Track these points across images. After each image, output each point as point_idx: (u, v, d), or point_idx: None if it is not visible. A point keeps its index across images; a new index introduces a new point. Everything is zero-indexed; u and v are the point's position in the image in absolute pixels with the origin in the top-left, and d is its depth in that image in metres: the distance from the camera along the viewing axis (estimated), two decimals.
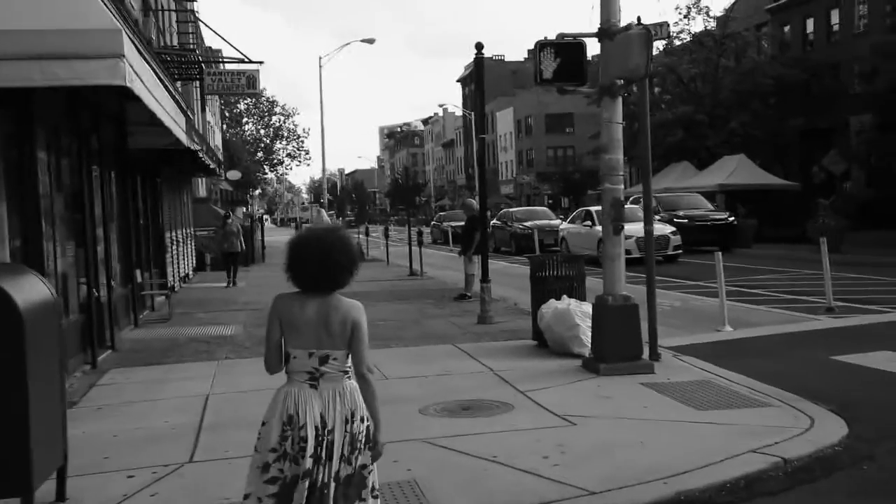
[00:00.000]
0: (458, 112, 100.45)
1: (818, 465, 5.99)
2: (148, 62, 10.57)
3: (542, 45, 9.14)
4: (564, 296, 10.60)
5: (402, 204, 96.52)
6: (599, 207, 28.07)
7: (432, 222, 53.84)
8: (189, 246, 26.04)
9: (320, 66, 45.80)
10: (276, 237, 42.26)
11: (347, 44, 44.45)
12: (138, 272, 15.17)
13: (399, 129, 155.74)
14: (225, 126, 63.09)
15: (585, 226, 26.41)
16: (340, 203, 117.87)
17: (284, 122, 70.61)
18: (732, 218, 30.18)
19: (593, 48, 9.40)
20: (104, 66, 7.38)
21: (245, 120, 71.22)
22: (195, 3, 27.56)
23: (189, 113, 22.78)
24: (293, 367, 4.06)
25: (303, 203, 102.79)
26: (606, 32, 8.96)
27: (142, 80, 8.46)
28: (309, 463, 3.91)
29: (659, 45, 39.91)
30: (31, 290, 5.39)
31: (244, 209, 56.99)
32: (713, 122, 40.90)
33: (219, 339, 12.71)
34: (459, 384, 8.83)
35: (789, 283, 18.15)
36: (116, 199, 14.02)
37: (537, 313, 10.70)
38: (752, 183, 34.72)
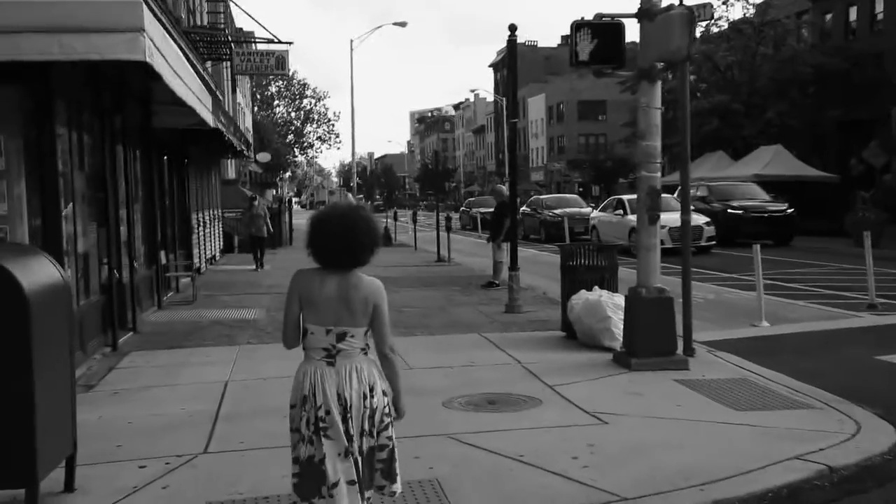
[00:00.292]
0: (490, 98, 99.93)
1: (867, 474, 5.62)
2: (175, 39, 10.35)
3: (578, 26, 8.76)
4: (596, 287, 10.25)
5: (431, 189, 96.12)
6: (631, 196, 27.72)
7: (461, 208, 53.52)
8: (216, 228, 25.92)
9: (352, 49, 45.60)
10: (304, 220, 42.09)
11: (379, 27, 44.22)
12: (163, 253, 15.00)
13: (430, 114, 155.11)
14: (256, 108, 63.11)
15: (617, 214, 25.98)
16: (369, 187, 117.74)
17: (315, 105, 70.62)
18: (792, 210, 27.98)
19: (632, 31, 9.05)
20: (123, 41, 7.16)
21: (276, 102, 71.28)
22: None
23: (218, 94, 22.61)
24: (310, 342, 4.07)
25: (330, 188, 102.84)
26: (647, 13, 8.57)
27: (164, 57, 8.23)
28: (345, 440, 3.94)
29: (696, 32, 38.96)
30: (39, 272, 5.16)
31: (273, 192, 57.08)
32: (749, 111, 40.07)
33: (241, 322, 12.51)
34: (485, 376, 8.54)
35: (828, 277, 17.63)
36: (141, 179, 13.83)
37: (567, 304, 10.37)
38: (789, 174, 33.93)
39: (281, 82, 68.39)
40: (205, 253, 21.97)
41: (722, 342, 10.26)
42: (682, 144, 9.39)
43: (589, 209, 33.03)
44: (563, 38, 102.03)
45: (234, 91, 37.70)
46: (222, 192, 28.75)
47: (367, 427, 4.00)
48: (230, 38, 22.65)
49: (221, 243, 27.28)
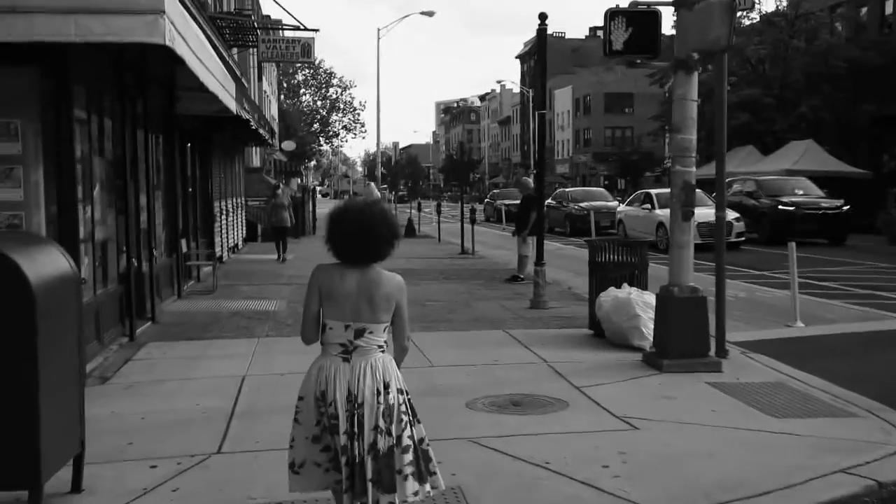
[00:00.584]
0: (516, 89, 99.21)
1: None
2: (198, 23, 10.13)
3: (612, 14, 8.43)
4: (625, 284, 9.92)
5: (455, 180, 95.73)
6: (659, 190, 27.25)
7: (485, 200, 53.15)
8: (239, 216, 25.76)
9: (378, 38, 45.30)
10: (328, 209, 41.94)
11: (407, 16, 44.04)
12: (184, 242, 14.83)
13: (455, 105, 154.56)
14: (283, 96, 63.02)
15: (644, 209, 25.51)
16: (394, 177, 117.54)
17: (341, 95, 70.43)
18: (847, 207, 25.89)
19: (664, 22, 8.69)
20: (142, 23, 6.91)
21: (302, 91, 71.16)
22: None
23: (243, 81, 22.43)
24: (328, 338, 4.05)
25: (354, 178, 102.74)
26: (684, 1, 8.21)
27: (185, 41, 7.98)
28: (343, 439, 3.92)
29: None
30: (46, 263, 4.92)
31: (298, 180, 57.00)
32: (781, 105, 39.39)
33: (261, 314, 12.30)
34: (510, 375, 8.24)
35: (863, 276, 17.15)
36: (163, 166, 13.64)
37: (595, 301, 10.05)
38: (821, 169, 33.21)
39: (308, 71, 68.28)
40: (227, 241, 21.82)
41: (755, 343, 9.90)
42: (719, 138, 9.02)
43: (615, 203, 32.56)
44: (591, 29, 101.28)
45: (260, 79, 37.55)
46: (246, 179, 28.59)
47: (383, 425, 3.93)
48: (256, 25, 22.42)
49: (244, 232, 27.13)
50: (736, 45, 40.77)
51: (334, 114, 71.19)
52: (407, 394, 4.08)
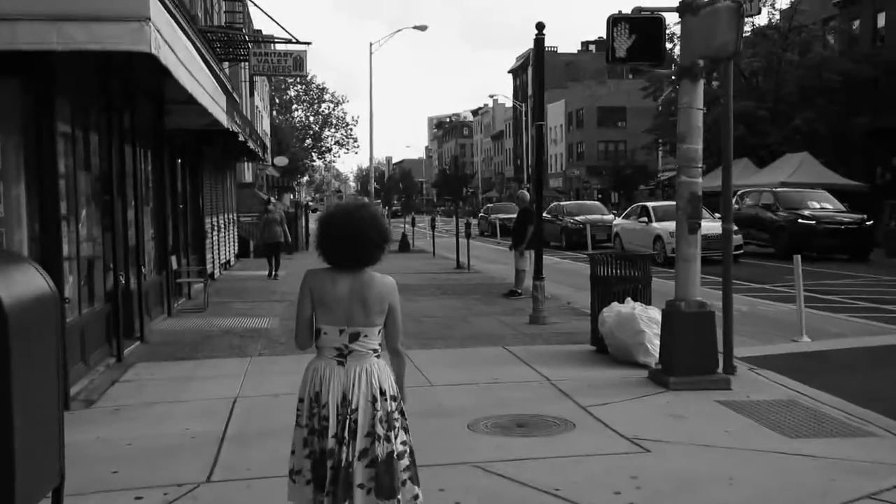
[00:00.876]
0: (509, 103, 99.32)
1: None
2: (187, 33, 9.85)
3: (615, 20, 8.18)
4: (629, 299, 9.64)
5: (449, 195, 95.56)
6: (657, 203, 26.96)
7: (479, 214, 52.88)
8: (231, 232, 25.42)
9: (371, 53, 45.15)
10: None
11: (399, 30, 43.77)
12: (174, 258, 14.50)
13: (448, 120, 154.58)
14: (275, 112, 62.81)
15: (641, 222, 25.24)
16: (387, 192, 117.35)
17: (333, 110, 70.30)
18: (871, 221, 24.46)
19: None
20: (127, 31, 6.64)
21: (294, 106, 71.01)
22: None
23: (235, 95, 22.16)
24: (323, 342, 4.02)
25: (347, 194, 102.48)
26: (690, 6, 7.97)
27: (173, 50, 7.71)
28: (331, 443, 3.87)
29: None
30: (22, 283, 4.60)
31: (291, 196, 56.70)
32: (775, 118, 39.29)
33: (253, 332, 11.97)
34: (512, 395, 7.93)
35: (865, 289, 16.91)
36: (152, 181, 13.34)
37: (598, 317, 9.75)
38: (816, 182, 33.02)
39: (300, 86, 68.13)
40: (219, 258, 21.47)
41: (762, 358, 9.63)
42: (725, 146, 8.77)
43: (611, 216, 32.34)
44: (583, 43, 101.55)
45: (251, 94, 37.31)
46: (238, 195, 28.28)
47: (381, 431, 3.90)
48: (247, 38, 22.18)
49: (237, 248, 26.80)
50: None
51: (326, 129, 71.03)
52: (401, 401, 4.10)
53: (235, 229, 26.72)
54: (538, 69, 12.90)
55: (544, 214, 33.43)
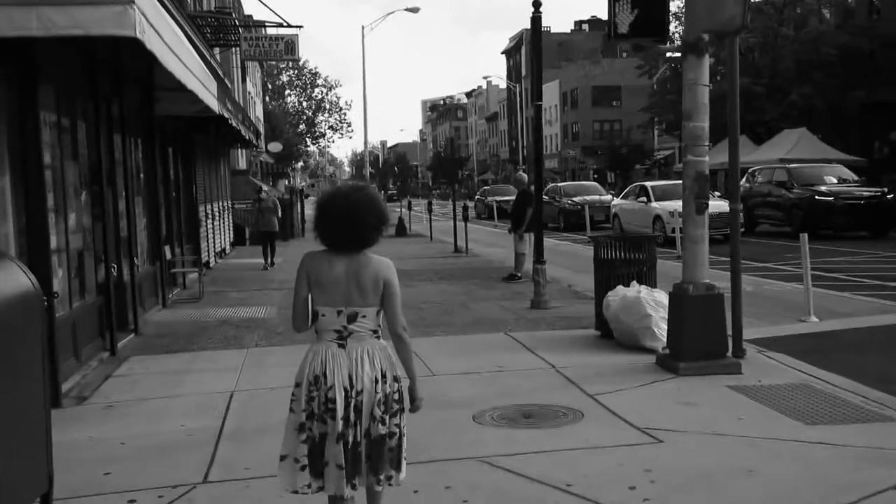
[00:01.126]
0: (503, 85, 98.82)
1: None
2: (175, 18, 9.55)
3: None
4: (634, 282, 9.41)
5: (444, 178, 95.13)
6: (655, 182, 26.67)
7: (476, 196, 52.59)
8: (226, 220, 25.14)
9: (363, 36, 44.72)
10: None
11: (391, 13, 43.26)
12: (168, 248, 14.23)
13: (442, 102, 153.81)
14: (268, 98, 62.33)
15: (640, 202, 24.97)
16: (383, 176, 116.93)
17: (327, 95, 69.84)
18: (891, 195, 23.17)
19: None
20: (110, 15, 6.37)
21: (287, 92, 70.51)
22: None
23: (226, 81, 21.81)
24: (321, 325, 4.00)
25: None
26: None
27: (159, 34, 7.42)
28: (340, 425, 3.85)
29: None
30: (2, 281, 4.36)
31: (286, 182, 56.36)
32: (771, 94, 38.99)
33: (250, 322, 11.74)
34: (518, 384, 7.71)
35: (869, 266, 16.68)
36: (143, 170, 13.05)
37: (603, 301, 9.52)
38: (815, 158, 32.76)
39: (292, 72, 67.63)
40: (214, 246, 21.21)
41: (770, 340, 9.42)
42: (731, 123, 8.50)
43: (609, 196, 32.09)
44: (577, 23, 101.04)
45: (244, 80, 36.88)
46: (232, 182, 27.95)
47: (378, 413, 3.91)
48: (238, 23, 21.81)
49: (232, 236, 26.52)
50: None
51: (320, 114, 70.60)
52: (402, 380, 4.06)
53: (230, 217, 26.42)
54: (535, 48, 12.61)
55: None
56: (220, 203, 23.68)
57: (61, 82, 8.80)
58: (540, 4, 12.18)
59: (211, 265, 19.69)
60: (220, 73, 18.24)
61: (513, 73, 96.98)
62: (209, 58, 16.12)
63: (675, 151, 61.92)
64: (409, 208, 38.18)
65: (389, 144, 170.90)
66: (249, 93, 40.34)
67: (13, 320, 4.31)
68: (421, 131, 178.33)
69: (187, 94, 10.78)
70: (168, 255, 14.18)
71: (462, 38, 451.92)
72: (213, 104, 12.07)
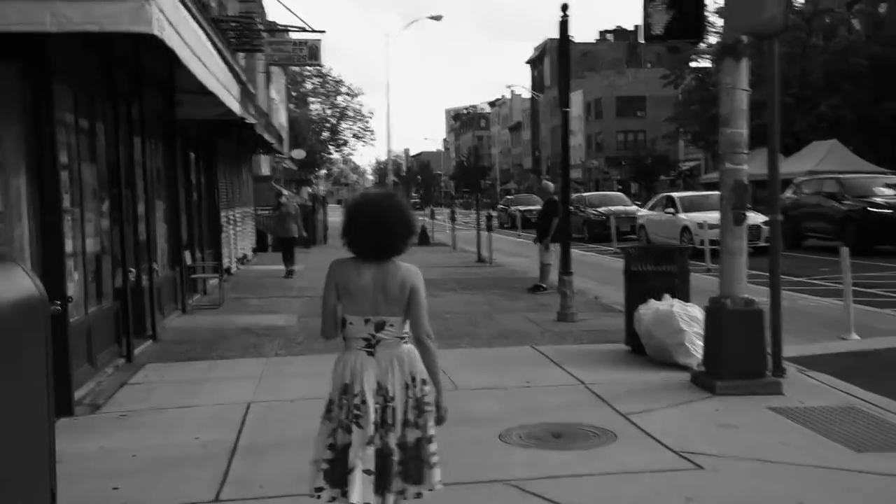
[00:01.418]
0: (526, 94, 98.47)
1: None
2: (198, 21, 9.34)
3: None
4: (666, 295, 9.05)
5: (467, 187, 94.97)
6: (682, 193, 26.16)
7: (499, 206, 52.21)
8: (248, 225, 24.97)
9: (387, 44, 44.53)
10: (339, 218, 41.22)
11: (415, 21, 43.20)
12: (188, 253, 14.02)
13: (465, 112, 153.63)
14: (292, 105, 62.38)
15: (668, 213, 24.48)
16: (406, 184, 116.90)
17: (350, 103, 69.84)
18: None
19: None
20: (126, 10, 6.14)
21: (311, 99, 70.56)
22: None
23: (250, 87, 21.68)
24: (349, 333, 3.99)
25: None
26: None
27: (178, 32, 7.19)
28: (371, 430, 3.82)
29: None
30: (4, 285, 4.10)
31: (309, 189, 56.30)
32: (800, 105, 38.40)
33: (270, 330, 11.45)
34: (546, 401, 7.37)
35: None
36: (164, 174, 12.85)
37: (634, 315, 9.16)
38: (846, 170, 32.12)
39: (316, 79, 67.71)
40: (235, 252, 21.01)
41: (811, 359, 9.02)
42: (771, 131, 8.15)
43: (634, 207, 31.64)
44: (601, 33, 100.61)
45: (268, 86, 36.83)
46: (255, 188, 27.80)
47: (412, 418, 3.91)
48: (262, 28, 21.67)
49: (255, 242, 26.34)
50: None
51: (343, 122, 70.62)
52: (430, 384, 4.03)
53: (253, 223, 26.26)
54: (563, 52, 12.30)
55: None
56: (243, 209, 23.51)
57: (80, 82, 8.59)
58: (567, 7, 11.88)
59: (232, 271, 19.49)
60: (243, 78, 18.09)
61: (536, 83, 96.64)
62: (232, 62, 15.95)
63: (702, 163, 61.37)
64: (433, 217, 37.88)
65: (413, 153, 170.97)
66: (273, 98, 40.28)
67: (15, 326, 4.05)
68: (444, 140, 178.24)
69: (209, 97, 10.59)
70: (189, 261, 13.97)
71: (485, 47, 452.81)
72: (235, 107, 11.87)
